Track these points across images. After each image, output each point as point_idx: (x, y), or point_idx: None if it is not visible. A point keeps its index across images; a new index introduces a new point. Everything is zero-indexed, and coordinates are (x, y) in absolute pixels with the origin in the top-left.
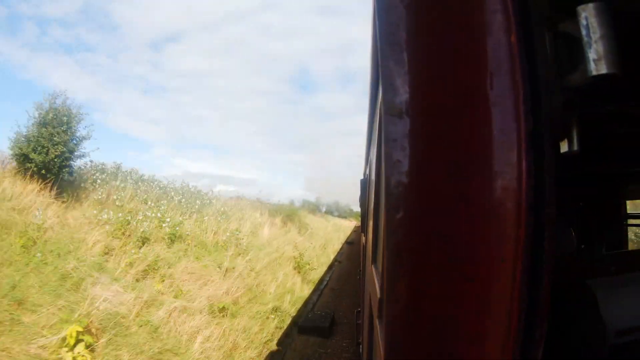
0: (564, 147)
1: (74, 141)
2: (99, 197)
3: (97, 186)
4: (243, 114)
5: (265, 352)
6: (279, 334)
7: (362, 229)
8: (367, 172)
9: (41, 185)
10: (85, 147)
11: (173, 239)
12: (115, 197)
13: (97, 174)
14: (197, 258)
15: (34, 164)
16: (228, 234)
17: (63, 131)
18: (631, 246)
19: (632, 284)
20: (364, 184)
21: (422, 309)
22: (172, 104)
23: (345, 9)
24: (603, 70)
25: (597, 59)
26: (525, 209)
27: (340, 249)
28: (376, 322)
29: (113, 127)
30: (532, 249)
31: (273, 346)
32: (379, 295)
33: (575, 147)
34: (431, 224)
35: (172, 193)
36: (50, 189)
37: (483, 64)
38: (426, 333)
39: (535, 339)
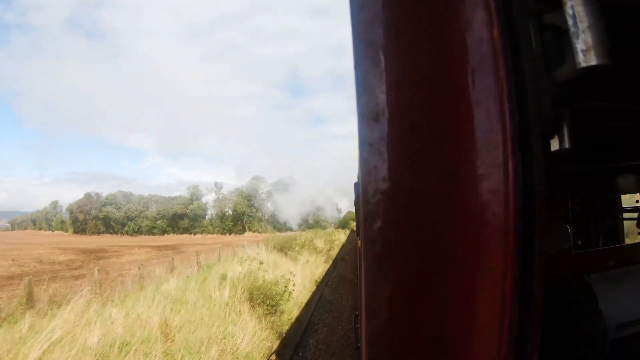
0: (555, 145)
1: None
2: None
3: None
4: (235, 120)
5: None
6: None
7: (357, 232)
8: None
9: None
10: None
11: None
12: None
13: None
14: None
15: None
16: None
17: None
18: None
19: (630, 277)
20: (358, 188)
21: (405, 325)
22: (164, 112)
23: (337, 11)
24: (592, 61)
25: (585, 50)
26: (513, 214)
27: None
28: None
29: (106, 137)
30: (522, 257)
31: None
32: None
33: (567, 145)
34: (412, 233)
35: None
36: None
37: (464, 61)
38: (409, 352)
39: (528, 353)
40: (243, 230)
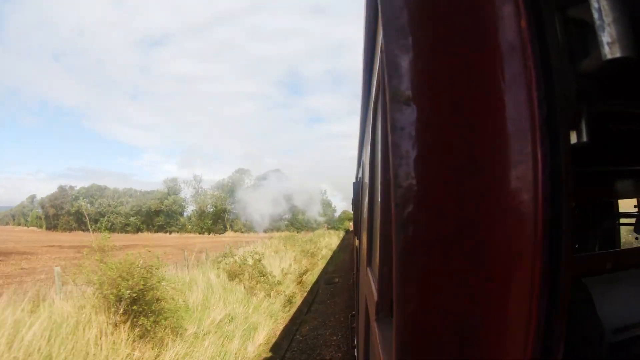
0: (573, 138)
1: None
2: None
3: None
4: (233, 119)
5: None
6: None
7: (355, 232)
8: (360, 175)
9: None
10: None
11: None
12: None
13: None
14: None
15: None
16: None
17: None
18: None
19: (627, 281)
20: (357, 187)
21: (435, 310)
22: (161, 110)
23: (336, 10)
24: (617, 53)
25: (611, 42)
26: (542, 201)
27: None
28: (374, 324)
29: (103, 134)
30: (550, 244)
31: None
32: (376, 298)
33: (585, 139)
34: (444, 218)
35: None
36: None
37: (493, 49)
38: (440, 335)
39: (555, 337)
40: (224, 229)
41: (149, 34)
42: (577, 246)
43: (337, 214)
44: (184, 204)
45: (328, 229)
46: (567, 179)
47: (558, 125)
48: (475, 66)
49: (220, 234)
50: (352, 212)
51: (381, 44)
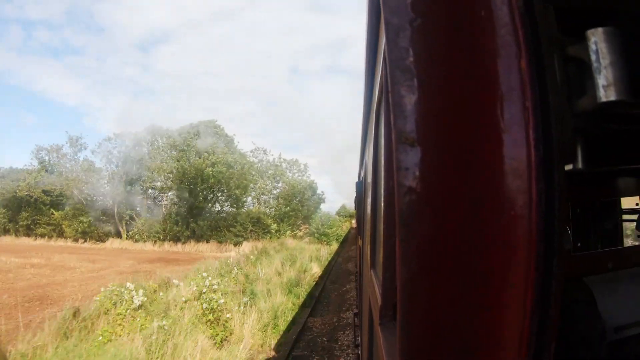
0: (568, 166)
1: None
2: None
3: None
4: (234, 115)
5: None
6: None
7: (358, 231)
8: (363, 174)
9: None
10: None
11: None
12: None
13: None
14: None
15: None
16: None
17: None
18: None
19: (629, 279)
20: (360, 186)
21: (439, 314)
22: (163, 107)
23: (337, 6)
24: (612, 97)
25: (606, 86)
26: (535, 237)
27: None
28: (377, 328)
29: (105, 132)
30: (542, 275)
31: None
32: (380, 302)
33: (580, 166)
34: (444, 251)
35: None
36: None
37: (493, 90)
38: (444, 340)
39: (546, 338)
40: (116, 234)
41: (151, 32)
42: (579, 244)
43: (327, 209)
44: (58, 186)
45: (304, 235)
46: (561, 216)
47: (554, 163)
48: (476, 107)
49: (102, 242)
50: (351, 208)
51: (384, 50)
